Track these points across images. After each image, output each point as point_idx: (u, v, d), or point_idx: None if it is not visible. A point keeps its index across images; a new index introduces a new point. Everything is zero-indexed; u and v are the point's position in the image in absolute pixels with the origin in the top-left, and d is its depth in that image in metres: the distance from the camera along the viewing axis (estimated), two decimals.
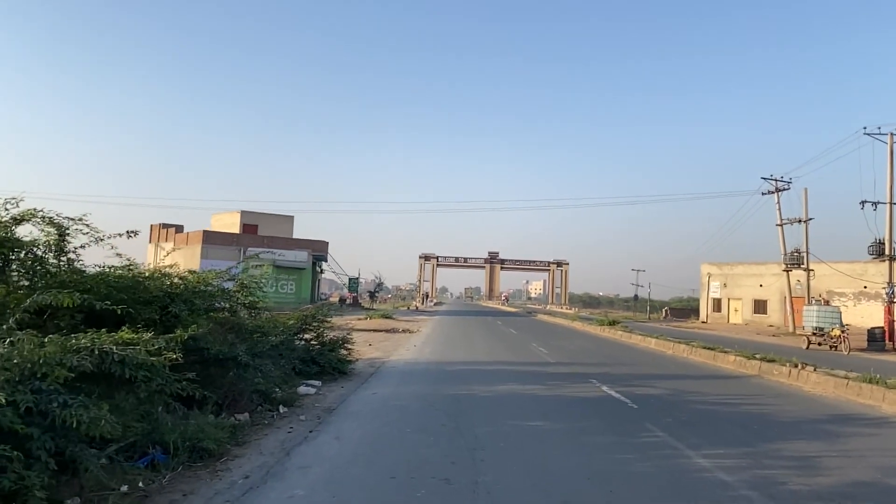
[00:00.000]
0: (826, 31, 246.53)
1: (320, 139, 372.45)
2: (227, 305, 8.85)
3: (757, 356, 14.90)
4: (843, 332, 24.92)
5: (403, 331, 27.83)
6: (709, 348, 17.33)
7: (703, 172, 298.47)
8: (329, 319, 13.16)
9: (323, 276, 68.02)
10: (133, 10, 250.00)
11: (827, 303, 45.30)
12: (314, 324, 12.62)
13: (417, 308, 67.20)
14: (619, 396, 10.23)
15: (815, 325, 26.87)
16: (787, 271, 40.64)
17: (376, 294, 63.86)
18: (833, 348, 25.28)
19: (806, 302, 38.92)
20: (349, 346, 13.41)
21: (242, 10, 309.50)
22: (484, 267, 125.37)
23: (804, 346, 26.31)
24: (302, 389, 10.32)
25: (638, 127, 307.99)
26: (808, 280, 38.78)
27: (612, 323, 29.75)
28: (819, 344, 26.07)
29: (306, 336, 12.76)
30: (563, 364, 15.22)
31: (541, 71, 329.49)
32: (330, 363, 11.79)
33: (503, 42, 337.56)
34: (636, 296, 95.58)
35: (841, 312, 27.21)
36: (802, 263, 39.64)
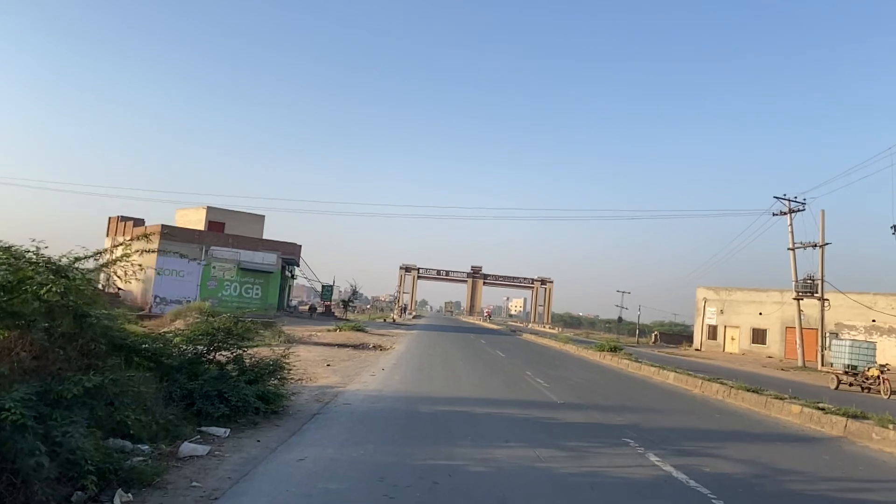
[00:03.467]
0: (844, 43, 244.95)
1: (302, 141, 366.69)
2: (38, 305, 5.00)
3: (831, 408, 11.28)
4: (882, 372, 21.55)
5: (374, 347, 23.98)
6: (753, 391, 13.70)
7: (699, 193, 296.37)
8: (251, 336, 9.27)
9: (295, 281, 63.87)
10: (108, 5, 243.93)
11: (836, 336, 42.15)
12: (230, 341, 8.76)
13: (395, 321, 63.17)
14: (684, 479, 6.49)
15: (846, 362, 23.49)
16: (798, 299, 37.37)
17: (350, 304, 59.63)
18: (867, 390, 21.87)
19: (820, 334, 35.71)
20: (284, 374, 9.56)
21: (224, 7, 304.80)
22: (466, 281, 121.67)
23: (832, 386, 22.89)
24: (186, 448, 6.46)
25: (634, 141, 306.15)
26: (823, 310, 35.51)
27: (614, 349, 25.98)
28: (850, 384, 22.65)
29: (220, 357, 8.95)
30: (574, 407, 11.47)
31: (535, 78, 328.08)
32: (245, 401, 7.90)
33: (494, 47, 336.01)
34: (620, 318, 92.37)
35: (876, 349, 23.94)
36: (815, 291, 36.38)
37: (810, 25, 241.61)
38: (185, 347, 8.35)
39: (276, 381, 9.07)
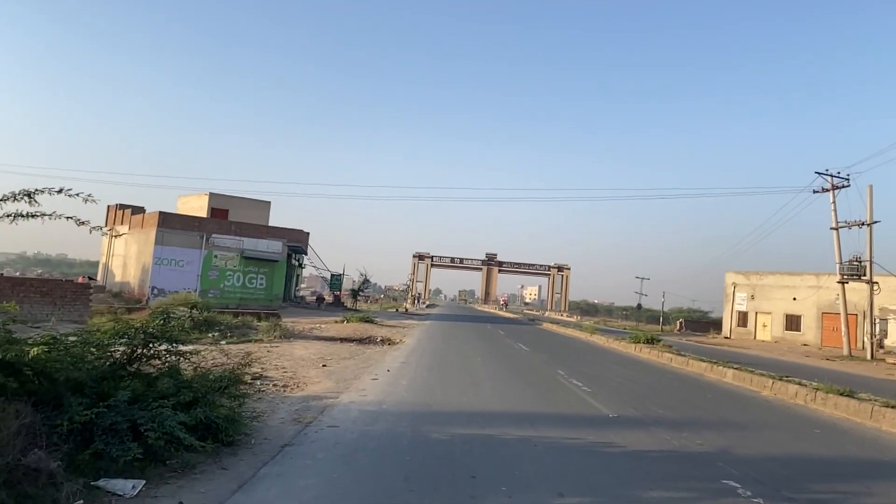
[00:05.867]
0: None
1: (310, 125, 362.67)
2: None
3: None
4: None
5: (381, 341, 21.46)
6: (845, 394, 11.00)
7: (725, 174, 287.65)
8: (188, 338, 6.68)
9: (304, 271, 61.55)
10: None
11: (885, 321, 39.07)
12: (160, 345, 6.18)
13: (407, 310, 60.73)
14: None
15: None
16: (843, 283, 34.34)
17: (361, 293, 57.07)
18: None
19: (870, 320, 32.70)
20: (244, 389, 7.01)
21: None
22: (481, 269, 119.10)
23: None
24: None
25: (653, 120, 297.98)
26: (872, 294, 32.45)
27: (651, 340, 23.19)
28: None
29: (150, 368, 6.40)
30: (633, 422, 8.85)
31: (554, 53, 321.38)
32: (172, 435, 5.33)
33: (511, 24, 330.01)
34: (639, 305, 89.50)
35: None
36: (863, 274, 33.38)
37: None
38: (90, 356, 5.80)
39: (229, 402, 6.49)
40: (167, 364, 6.24)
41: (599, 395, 11.14)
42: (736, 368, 15.21)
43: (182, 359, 6.40)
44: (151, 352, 6.08)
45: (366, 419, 7.94)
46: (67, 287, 17.63)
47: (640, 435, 7.94)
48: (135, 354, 6.05)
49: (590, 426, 8.35)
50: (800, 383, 12.49)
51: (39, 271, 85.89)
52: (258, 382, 10.62)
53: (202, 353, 7.74)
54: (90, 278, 32.57)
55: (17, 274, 65.14)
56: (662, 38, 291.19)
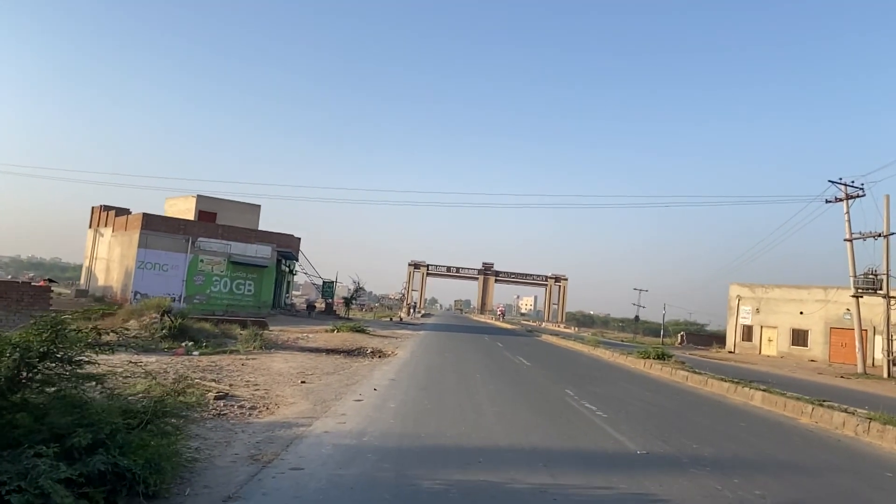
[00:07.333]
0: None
1: (305, 132, 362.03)
2: None
3: None
4: None
5: (372, 353, 19.85)
6: None
7: (731, 189, 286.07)
8: (81, 359, 5.01)
9: (296, 278, 59.84)
10: None
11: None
12: (51, 367, 4.58)
13: (402, 320, 59.03)
14: None
15: None
16: (857, 297, 32.84)
17: (354, 301, 55.28)
18: None
19: (886, 336, 31.18)
20: (178, 422, 5.41)
21: None
22: (477, 278, 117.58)
23: None
24: None
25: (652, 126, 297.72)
26: (889, 309, 30.96)
27: (662, 356, 21.54)
28: None
29: (44, 395, 4.79)
30: (665, 461, 7.27)
31: (558, 66, 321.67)
32: (49, 497, 3.72)
33: (504, 31, 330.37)
34: (637, 317, 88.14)
35: None
36: (879, 288, 31.91)
37: (858, 4, 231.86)
38: None
39: (156, 441, 4.89)
40: (62, 392, 4.63)
41: (619, 424, 9.55)
42: (764, 390, 13.64)
43: (87, 383, 4.78)
44: (39, 376, 4.48)
45: (340, 458, 6.34)
46: (24, 289, 16.01)
47: (682, 481, 6.36)
48: (18, 379, 4.45)
49: (616, 468, 6.76)
50: (845, 410, 10.93)
51: (31, 274, 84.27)
52: (221, 403, 9.09)
53: (120, 374, 6.16)
54: (51, 280, 30.83)
55: (9, 277, 63.27)
56: (661, 46, 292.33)
